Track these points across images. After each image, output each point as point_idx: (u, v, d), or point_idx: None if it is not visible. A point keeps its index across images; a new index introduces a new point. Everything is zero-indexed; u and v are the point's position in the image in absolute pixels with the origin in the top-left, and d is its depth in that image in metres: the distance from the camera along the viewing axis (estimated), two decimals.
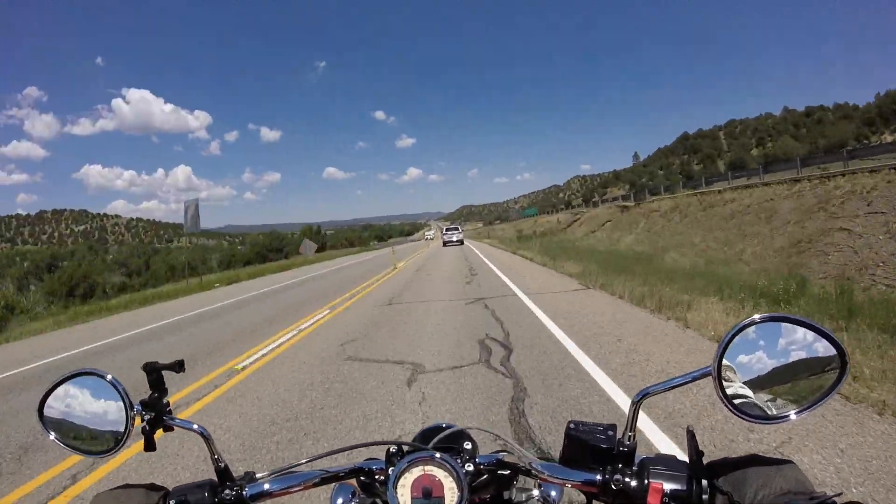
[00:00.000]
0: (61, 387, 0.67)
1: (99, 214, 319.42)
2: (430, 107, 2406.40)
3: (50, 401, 0.66)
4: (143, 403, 0.66)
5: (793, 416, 0.55)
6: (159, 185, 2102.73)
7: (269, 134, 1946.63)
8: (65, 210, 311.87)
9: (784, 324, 0.56)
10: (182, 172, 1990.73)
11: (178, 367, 0.69)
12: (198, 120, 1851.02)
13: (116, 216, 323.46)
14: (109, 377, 0.65)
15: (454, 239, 34.01)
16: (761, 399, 0.56)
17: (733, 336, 0.56)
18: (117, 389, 0.64)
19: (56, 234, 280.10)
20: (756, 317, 0.56)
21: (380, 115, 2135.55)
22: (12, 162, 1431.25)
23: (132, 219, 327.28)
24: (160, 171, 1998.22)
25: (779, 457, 0.54)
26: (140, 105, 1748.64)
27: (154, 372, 0.68)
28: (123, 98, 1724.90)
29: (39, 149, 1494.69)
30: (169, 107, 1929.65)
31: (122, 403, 0.64)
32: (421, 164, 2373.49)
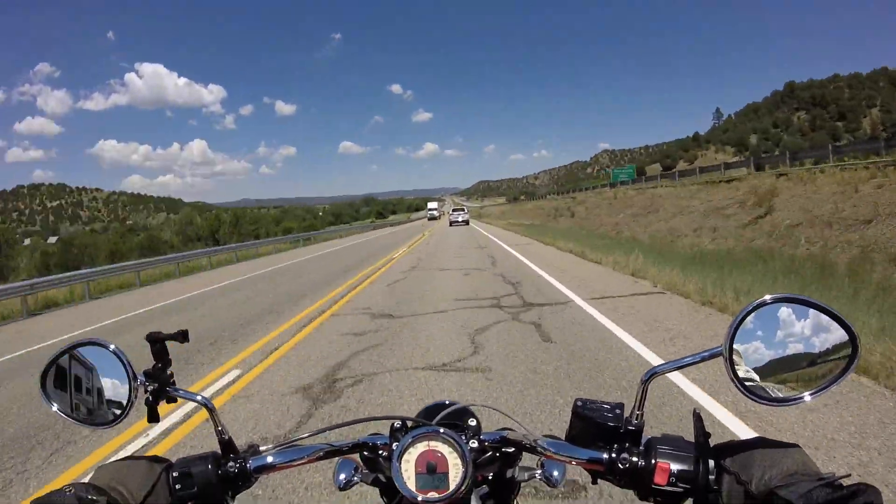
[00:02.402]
0: (64, 357, 0.71)
1: (77, 189, 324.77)
2: (447, 81, 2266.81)
3: (52, 372, 0.71)
4: (147, 374, 0.71)
5: (807, 398, 0.58)
6: (174, 160, 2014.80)
7: (284, 108, 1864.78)
8: (42, 185, 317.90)
9: (794, 305, 0.59)
10: (197, 147, 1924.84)
11: (182, 337, 0.74)
12: (212, 94, 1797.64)
13: (97, 189, 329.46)
14: (112, 347, 0.70)
15: (460, 219, 41.67)
16: (769, 382, 0.60)
17: (744, 317, 0.59)
18: (121, 360, 0.69)
19: (28, 210, 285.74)
20: (767, 297, 0.59)
21: (396, 88, 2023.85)
22: (27, 139, 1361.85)
23: (112, 192, 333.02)
24: (175, 145, 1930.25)
25: (786, 440, 0.58)
26: (153, 79, 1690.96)
27: (157, 342, 0.73)
28: (136, 72, 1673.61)
29: (53, 125, 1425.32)
30: (182, 81, 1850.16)
31: (125, 374, 0.69)
32: (437, 139, 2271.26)
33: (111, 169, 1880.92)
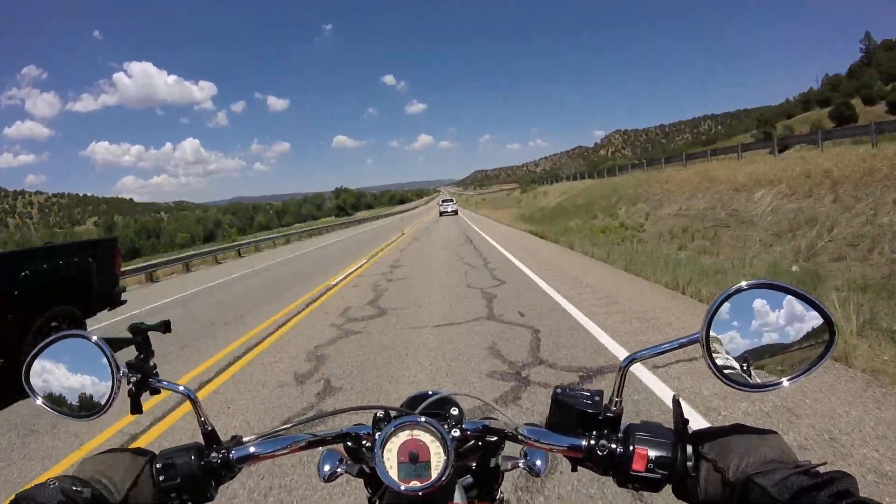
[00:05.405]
0: (47, 349, 0.76)
1: (14, 192, 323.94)
2: (440, 71, 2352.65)
3: (36, 364, 0.76)
4: (130, 365, 0.76)
5: (785, 383, 0.63)
6: (167, 160, 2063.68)
7: (276, 103, 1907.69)
8: None
9: (770, 291, 0.64)
10: (190, 145, 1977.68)
11: (165, 327, 0.79)
12: (203, 91, 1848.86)
13: (38, 192, 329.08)
14: (95, 339, 0.75)
15: (450, 209, 46.43)
16: (745, 371, 0.65)
17: (721, 303, 0.64)
18: (103, 351, 0.74)
19: None
20: (743, 284, 0.64)
21: (389, 79, 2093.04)
22: (17, 143, 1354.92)
23: (52, 195, 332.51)
24: (167, 144, 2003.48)
25: (763, 427, 0.62)
26: (142, 78, 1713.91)
27: (140, 333, 0.78)
28: (125, 72, 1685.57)
29: (43, 128, 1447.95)
30: (172, 78, 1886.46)
31: (108, 366, 0.74)
32: (432, 130, 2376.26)
33: (104, 171, 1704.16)
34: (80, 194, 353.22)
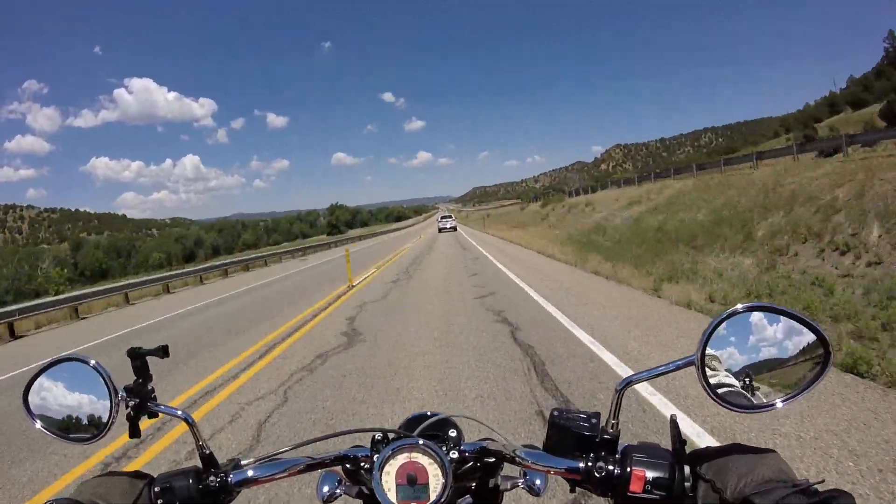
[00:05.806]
0: (46, 373, 0.77)
1: (5, 206, 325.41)
2: (440, 87, 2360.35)
3: (34, 388, 0.77)
4: (128, 389, 0.76)
5: (779, 404, 0.64)
6: (167, 176, 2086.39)
7: (276, 120, 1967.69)
8: None
9: (767, 313, 0.65)
10: (190, 162, 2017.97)
11: (163, 352, 0.80)
12: (203, 107, 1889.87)
13: (30, 207, 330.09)
14: (93, 363, 0.75)
15: (448, 226, 48.01)
16: (745, 388, 0.65)
17: (717, 325, 0.65)
18: (101, 375, 0.74)
19: None
20: (739, 306, 0.65)
21: (388, 96, 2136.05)
22: (18, 157, 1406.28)
23: (44, 209, 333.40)
24: (168, 161, 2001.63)
25: (761, 446, 0.62)
26: (143, 94, 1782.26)
27: (138, 358, 0.78)
28: (125, 88, 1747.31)
29: (44, 143, 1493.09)
30: (172, 95, 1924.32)
31: (106, 390, 0.74)
32: (430, 147, 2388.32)
33: (105, 186, 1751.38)
34: (73, 209, 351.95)
